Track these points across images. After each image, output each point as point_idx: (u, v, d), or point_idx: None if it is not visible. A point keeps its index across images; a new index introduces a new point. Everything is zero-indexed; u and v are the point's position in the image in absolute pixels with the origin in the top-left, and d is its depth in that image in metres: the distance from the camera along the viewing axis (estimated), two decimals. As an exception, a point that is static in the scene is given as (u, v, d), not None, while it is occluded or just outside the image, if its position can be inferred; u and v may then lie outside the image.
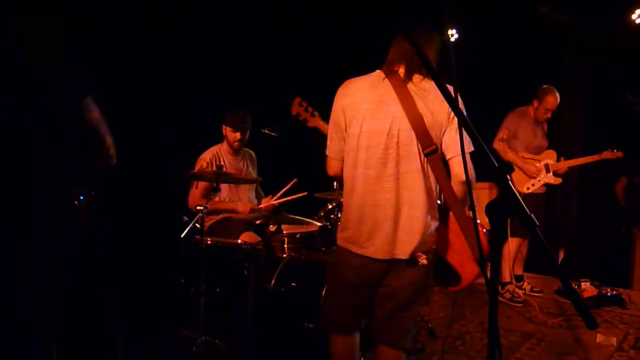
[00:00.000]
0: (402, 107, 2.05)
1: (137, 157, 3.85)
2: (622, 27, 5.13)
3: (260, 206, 3.86)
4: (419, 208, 2.07)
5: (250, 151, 4.13)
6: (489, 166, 1.16)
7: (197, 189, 3.74)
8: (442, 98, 1.96)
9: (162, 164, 3.97)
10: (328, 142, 2.27)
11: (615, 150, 4.64)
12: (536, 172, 4.68)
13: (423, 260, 2.08)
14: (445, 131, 2.08)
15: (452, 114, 2.05)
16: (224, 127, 3.88)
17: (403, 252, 2.08)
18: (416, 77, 2.11)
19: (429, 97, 2.07)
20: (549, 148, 4.84)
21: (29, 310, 1.55)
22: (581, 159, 4.82)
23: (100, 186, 2.79)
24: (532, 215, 1.14)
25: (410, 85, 2.09)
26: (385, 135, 2.06)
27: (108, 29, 3.59)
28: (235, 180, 3.74)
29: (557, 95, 4.64)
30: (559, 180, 4.75)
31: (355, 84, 2.18)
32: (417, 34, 2.10)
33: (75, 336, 2.36)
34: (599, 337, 3.82)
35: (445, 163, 2.14)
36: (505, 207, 1.15)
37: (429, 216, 2.09)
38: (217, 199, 3.83)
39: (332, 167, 2.29)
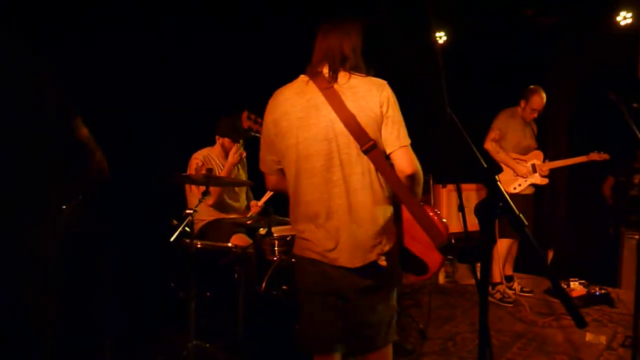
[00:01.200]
0: (332, 110, 2.00)
1: (125, 161, 3.83)
2: (607, 29, 5.18)
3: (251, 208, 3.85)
4: (370, 210, 2.02)
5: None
6: (478, 167, 1.17)
7: (191, 192, 3.73)
8: (373, 93, 2.01)
9: (151, 167, 3.95)
10: (261, 158, 2.21)
11: (602, 152, 4.71)
12: (527, 172, 4.72)
13: (383, 262, 2.04)
14: (381, 125, 2.03)
15: (386, 106, 2.01)
16: (219, 137, 3.87)
17: (359, 256, 2.02)
18: (342, 75, 2.04)
19: (358, 94, 2.01)
20: (536, 149, 4.89)
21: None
22: (569, 160, 4.89)
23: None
24: (521, 215, 1.15)
25: (336, 86, 2.02)
26: (323, 141, 2.01)
27: (97, 33, 3.57)
28: (225, 183, 3.73)
29: (544, 95, 4.70)
30: (545, 181, 4.80)
31: (283, 93, 2.12)
32: (335, 26, 2.10)
33: (62, 340, 2.35)
34: (589, 336, 3.85)
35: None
36: (495, 208, 1.16)
37: (382, 216, 2.04)
38: (209, 202, 3.83)
39: (270, 182, 2.25)
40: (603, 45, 5.26)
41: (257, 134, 2.41)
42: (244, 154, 3.75)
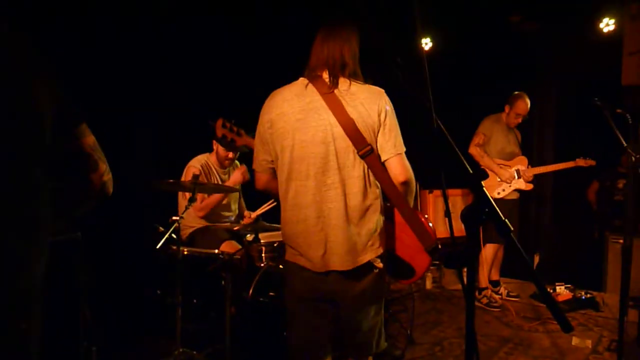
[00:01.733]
0: (332, 114, 2.02)
1: (112, 167, 3.80)
2: (590, 36, 5.25)
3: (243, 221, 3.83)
4: (363, 213, 2.05)
5: (237, 163, 4.10)
6: (464, 173, 1.18)
7: (184, 199, 3.71)
8: (371, 101, 2.06)
9: (138, 173, 3.92)
10: (254, 156, 2.22)
11: (588, 159, 4.76)
12: (510, 177, 4.76)
13: (379, 264, 2.08)
14: (378, 133, 2.06)
15: (384, 115, 2.06)
16: (215, 143, 3.86)
17: (347, 260, 2.04)
18: (342, 81, 2.07)
19: (357, 101, 2.04)
20: (521, 155, 4.92)
21: None
22: (554, 166, 4.94)
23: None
24: (506, 220, 1.15)
25: (337, 91, 2.05)
26: (320, 144, 2.02)
27: (89, 32, 3.55)
28: (212, 190, 3.71)
29: (528, 100, 4.75)
30: (530, 186, 4.84)
31: (281, 94, 2.13)
32: (334, 31, 2.12)
33: (48, 350, 2.31)
34: (575, 340, 3.87)
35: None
36: (481, 213, 1.16)
37: (374, 219, 2.07)
38: (200, 214, 3.81)
39: (260, 181, 2.25)
40: (587, 51, 5.32)
41: (232, 142, 2.40)
42: (247, 178, 3.71)
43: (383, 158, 2.07)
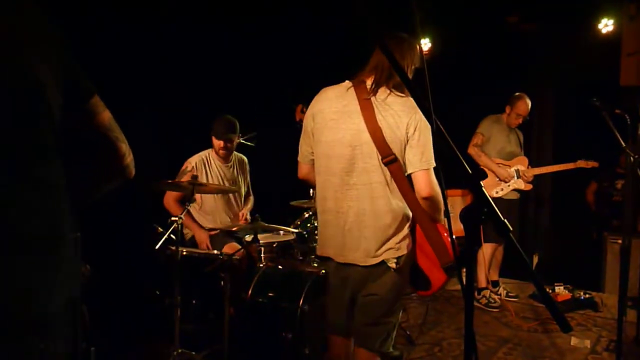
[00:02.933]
0: (363, 120, 2.11)
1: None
2: (589, 36, 5.26)
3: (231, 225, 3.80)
4: (381, 217, 2.15)
5: (242, 157, 4.08)
6: (463, 173, 1.17)
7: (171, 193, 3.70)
8: (403, 114, 2.11)
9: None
10: (299, 146, 2.36)
11: (590, 160, 4.74)
12: (508, 177, 4.76)
13: (392, 264, 2.15)
14: (405, 147, 2.13)
15: (413, 129, 2.11)
16: (211, 135, 3.85)
17: (359, 256, 2.17)
18: (382, 90, 2.16)
19: (390, 112, 2.12)
20: (521, 155, 4.92)
21: None
22: (555, 167, 4.93)
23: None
24: (505, 220, 1.15)
25: (373, 98, 2.14)
26: (348, 147, 2.14)
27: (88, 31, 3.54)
28: (210, 191, 3.70)
29: (528, 101, 4.74)
30: (529, 187, 4.83)
31: (326, 92, 2.26)
32: (392, 44, 2.17)
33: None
34: (574, 340, 3.88)
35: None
36: (480, 213, 1.16)
37: (394, 225, 2.15)
38: (197, 207, 3.79)
39: (300, 171, 2.41)
40: (585, 52, 5.32)
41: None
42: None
43: (409, 171, 2.14)
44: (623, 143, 3.24)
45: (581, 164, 4.77)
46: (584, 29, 5.28)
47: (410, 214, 2.20)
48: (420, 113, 2.10)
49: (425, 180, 2.11)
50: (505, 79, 5.31)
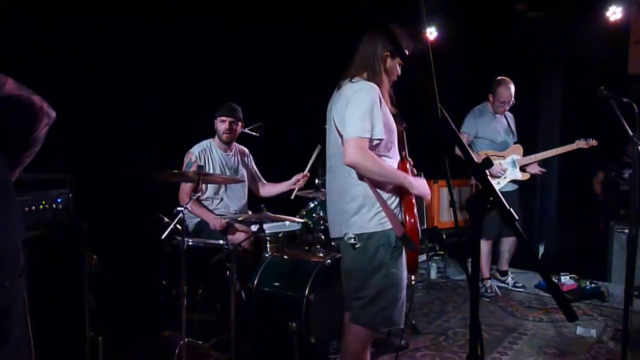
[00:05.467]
0: (333, 110, 2.41)
1: (116, 157, 3.81)
2: (597, 24, 5.20)
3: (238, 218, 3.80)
4: (344, 195, 2.37)
5: (243, 147, 4.08)
6: (469, 162, 1.17)
7: (186, 185, 3.71)
8: (345, 96, 2.30)
9: (142, 164, 3.93)
10: None
11: (590, 140, 4.59)
12: (501, 170, 4.67)
13: (351, 240, 2.32)
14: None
15: (345, 104, 2.29)
16: (215, 120, 3.85)
17: (336, 231, 2.44)
18: (345, 82, 2.38)
19: (340, 98, 2.35)
20: (517, 142, 4.84)
21: None
22: (554, 150, 4.78)
23: (76, 187, 2.75)
24: (511, 209, 1.15)
25: (338, 91, 2.41)
26: (331, 134, 2.45)
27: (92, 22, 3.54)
28: (216, 181, 3.71)
29: (511, 86, 4.58)
30: (527, 176, 4.74)
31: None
32: (367, 34, 2.42)
33: (54, 340, 2.33)
34: (579, 330, 3.88)
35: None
36: (485, 203, 1.16)
37: (356, 203, 2.33)
38: (201, 196, 3.80)
39: None
40: (594, 40, 5.27)
41: None
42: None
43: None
44: (630, 132, 3.21)
45: (581, 144, 4.59)
46: (592, 17, 5.22)
47: (386, 195, 2.34)
48: (356, 90, 2.30)
49: (346, 148, 2.24)
50: (513, 67, 5.25)
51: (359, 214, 2.33)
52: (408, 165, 2.47)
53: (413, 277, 4.59)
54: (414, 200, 2.38)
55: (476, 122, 4.70)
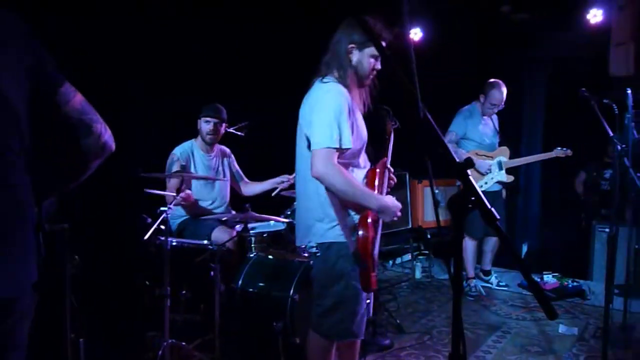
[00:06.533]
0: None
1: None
2: (578, 26, 5.26)
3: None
4: (307, 201, 2.31)
5: (225, 148, 4.07)
6: (450, 162, 1.18)
7: (170, 185, 3.69)
8: (310, 99, 2.23)
9: (125, 164, 3.89)
10: None
11: (565, 149, 4.70)
12: (488, 168, 4.70)
13: (312, 248, 2.27)
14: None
15: (310, 111, 2.22)
16: (198, 120, 3.83)
17: (300, 239, 2.37)
18: (317, 80, 2.29)
19: (306, 101, 2.29)
20: (503, 144, 4.87)
21: None
22: (533, 157, 4.91)
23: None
24: (492, 209, 1.16)
25: (310, 88, 2.31)
26: (299, 134, 2.35)
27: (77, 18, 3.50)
28: (198, 179, 3.69)
29: (504, 89, 4.60)
30: (511, 178, 4.79)
31: None
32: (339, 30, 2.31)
33: (35, 342, 2.30)
34: (562, 328, 3.92)
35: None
36: (467, 202, 1.17)
37: (320, 210, 2.25)
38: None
39: None
40: (576, 42, 5.33)
41: None
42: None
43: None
44: (611, 132, 3.26)
45: (559, 153, 4.70)
46: (574, 19, 5.28)
47: (343, 209, 2.26)
48: (322, 94, 2.20)
49: (313, 159, 2.14)
50: (497, 68, 5.30)
51: (320, 224, 2.26)
52: (378, 173, 2.37)
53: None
54: (370, 218, 2.21)
55: (466, 122, 4.71)
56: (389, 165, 2.45)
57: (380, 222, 2.33)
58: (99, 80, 3.66)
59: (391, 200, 2.26)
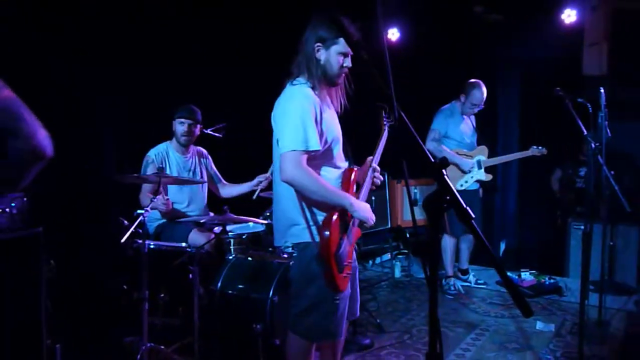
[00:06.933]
0: None
1: (73, 159, 3.71)
2: (552, 26, 5.35)
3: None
4: (281, 201, 2.34)
5: (201, 149, 4.03)
6: (426, 162, 1.19)
7: (146, 187, 3.64)
8: (279, 101, 2.27)
9: (100, 166, 3.84)
10: None
11: (541, 148, 4.78)
12: (471, 166, 4.74)
13: (288, 248, 2.33)
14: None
15: (277, 114, 2.27)
16: (173, 122, 3.79)
17: (277, 239, 2.40)
18: (288, 82, 2.32)
19: (278, 103, 2.30)
20: (481, 143, 4.93)
21: None
22: (510, 155, 4.97)
23: (32, 190, 2.67)
24: (467, 208, 1.17)
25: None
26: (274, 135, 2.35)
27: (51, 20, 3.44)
28: (177, 181, 3.66)
29: (484, 89, 4.64)
30: (490, 177, 4.83)
31: None
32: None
33: (9, 348, 2.25)
34: (539, 325, 3.97)
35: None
36: (442, 202, 1.17)
37: (294, 210, 2.28)
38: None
39: None
40: (550, 42, 5.41)
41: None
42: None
43: None
44: (585, 131, 3.32)
45: (535, 152, 4.77)
46: (548, 19, 5.36)
47: (313, 211, 2.29)
48: (288, 97, 2.24)
49: (282, 164, 2.16)
50: (472, 69, 5.35)
51: (295, 225, 2.30)
52: (355, 172, 2.38)
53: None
54: (336, 218, 2.19)
55: (447, 121, 4.74)
56: (374, 164, 2.43)
57: (355, 222, 2.33)
58: (69, 81, 3.62)
59: (365, 205, 2.28)
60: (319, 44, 2.24)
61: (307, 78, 2.26)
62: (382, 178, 2.49)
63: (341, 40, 2.20)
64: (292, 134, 2.13)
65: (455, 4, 5.59)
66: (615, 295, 4.64)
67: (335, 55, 2.24)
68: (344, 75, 2.33)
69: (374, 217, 2.29)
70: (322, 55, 2.25)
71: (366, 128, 2.81)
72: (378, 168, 2.45)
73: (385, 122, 2.61)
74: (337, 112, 2.41)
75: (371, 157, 2.45)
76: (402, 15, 5.77)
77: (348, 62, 2.28)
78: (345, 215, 2.25)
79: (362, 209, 2.24)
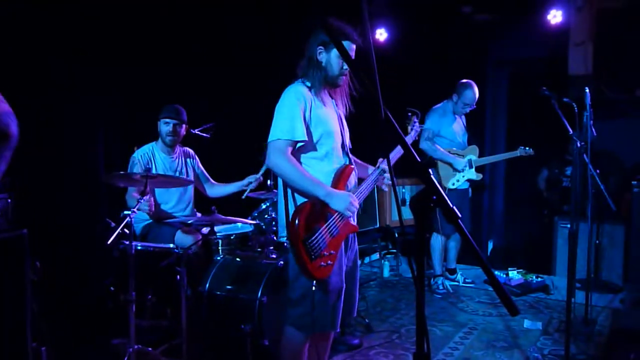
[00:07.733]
0: None
1: (58, 160, 3.67)
2: (539, 27, 5.39)
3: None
4: (281, 195, 2.41)
5: (188, 149, 4.01)
6: (412, 162, 1.18)
7: (132, 188, 3.62)
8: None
9: (86, 167, 3.80)
10: None
11: (528, 149, 4.83)
12: (464, 166, 4.76)
13: (284, 241, 2.43)
14: None
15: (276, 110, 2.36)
16: (158, 122, 3.76)
17: (279, 233, 2.51)
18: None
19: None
20: (471, 143, 4.97)
21: None
22: (500, 155, 5.02)
23: (17, 191, 2.64)
24: (454, 207, 1.17)
25: None
26: None
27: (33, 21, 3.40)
28: (164, 182, 3.63)
29: (476, 90, 4.67)
30: (480, 176, 4.87)
31: None
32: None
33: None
34: (527, 323, 4.00)
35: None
36: (429, 202, 1.17)
37: (288, 204, 2.35)
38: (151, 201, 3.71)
39: None
40: (536, 42, 5.45)
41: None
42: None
43: None
44: (571, 130, 3.34)
45: (522, 152, 4.83)
46: (535, 20, 5.40)
47: (296, 201, 2.35)
48: (283, 94, 2.35)
49: (268, 152, 2.28)
50: (460, 68, 5.38)
51: (286, 218, 2.36)
52: (353, 170, 2.46)
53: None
54: (308, 205, 2.27)
55: (440, 120, 4.77)
56: (384, 166, 2.54)
57: (335, 215, 2.33)
58: (57, 79, 3.58)
59: (345, 196, 2.30)
60: (320, 47, 2.36)
61: (308, 79, 2.38)
62: (389, 182, 2.55)
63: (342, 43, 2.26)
64: (280, 124, 2.27)
65: (443, 4, 5.61)
66: (602, 293, 4.69)
67: (335, 57, 2.36)
68: (345, 77, 2.44)
69: (352, 209, 2.31)
70: (323, 57, 2.38)
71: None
72: (387, 170, 2.51)
73: (413, 128, 2.82)
74: (344, 114, 2.54)
75: (381, 159, 2.56)
76: (390, 16, 5.78)
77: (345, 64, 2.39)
78: (326, 205, 2.29)
79: (338, 199, 2.27)
